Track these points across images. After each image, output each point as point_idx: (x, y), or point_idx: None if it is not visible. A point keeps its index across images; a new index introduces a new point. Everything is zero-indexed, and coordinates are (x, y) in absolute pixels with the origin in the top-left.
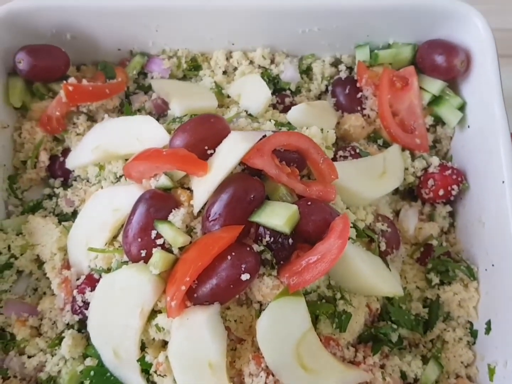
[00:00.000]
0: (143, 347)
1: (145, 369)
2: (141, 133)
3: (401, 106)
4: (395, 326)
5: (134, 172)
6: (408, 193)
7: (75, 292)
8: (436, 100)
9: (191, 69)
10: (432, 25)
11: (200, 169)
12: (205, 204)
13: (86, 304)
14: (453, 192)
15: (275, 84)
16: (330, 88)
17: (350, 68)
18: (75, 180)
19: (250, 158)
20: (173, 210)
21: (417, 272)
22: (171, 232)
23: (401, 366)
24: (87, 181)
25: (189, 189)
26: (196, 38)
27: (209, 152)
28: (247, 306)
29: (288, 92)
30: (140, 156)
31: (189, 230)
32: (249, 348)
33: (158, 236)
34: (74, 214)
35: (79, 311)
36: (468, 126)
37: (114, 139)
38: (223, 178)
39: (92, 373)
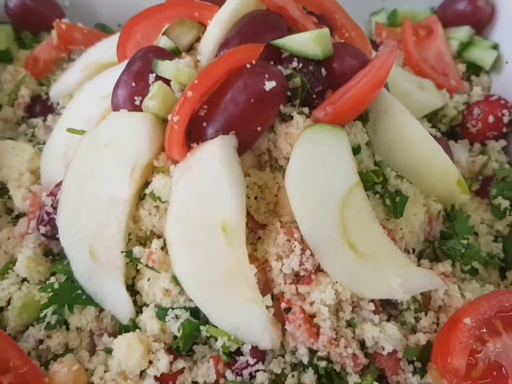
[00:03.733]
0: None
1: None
2: None
3: (429, 54)
4: (465, 241)
5: (132, 42)
6: (451, 135)
7: (44, 196)
8: (466, 47)
9: None
10: None
11: (209, 9)
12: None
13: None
14: (505, 119)
15: None
16: None
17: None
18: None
19: None
20: (176, 58)
21: (479, 205)
22: (173, 67)
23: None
24: None
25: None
26: None
27: None
28: (271, 169)
29: None
30: (139, 16)
31: None
32: (274, 234)
33: (158, 79)
34: None
35: (47, 220)
36: (507, 62)
37: (108, 50)
38: (236, 6)
39: (56, 286)
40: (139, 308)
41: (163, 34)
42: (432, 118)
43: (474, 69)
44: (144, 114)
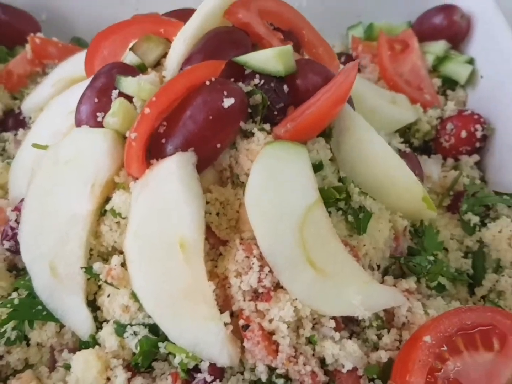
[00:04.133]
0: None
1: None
2: None
3: (404, 68)
4: (431, 258)
5: (99, 58)
6: (425, 150)
7: (9, 211)
8: (441, 61)
9: None
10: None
11: (175, 25)
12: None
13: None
14: (478, 134)
15: None
16: None
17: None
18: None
19: (233, 11)
20: (140, 75)
21: (450, 220)
22: (135, 83)
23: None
24: None
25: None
26: None
27: None
28: (232, 186)
29: None
30: (105, 32)
31: None
32: (234, 250)
33: (121, 95)
34: None
35: (11, 235)
36: (481, 76)
37: (79, 65)
38: (201, 23)
39: (16, 302)
40: (99, 324)
41: (130, 49)
42: (406, 132)
43: (449, 83)
44: (105, 130)
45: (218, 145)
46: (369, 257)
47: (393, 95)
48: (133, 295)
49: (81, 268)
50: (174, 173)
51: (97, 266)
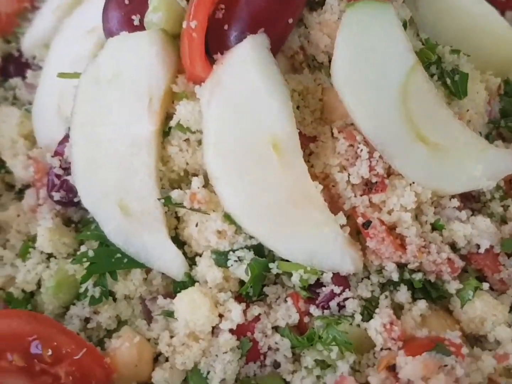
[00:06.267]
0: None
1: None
2: None
3: None
4: None
5: None
6: None
7: (49, 158)
8: None
9: None
10: None
11: None
12: None
13: (68, 170)
14: None
15: None
16: None
17: None
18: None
19: None
20: None
21: None
22: None
23: None
24: None
25: None
26: None
27: None
28: (309, 70)
29: None
30: None
31: None
32: (329, 143)
33: None
34: None
35: (59, 184)
36: None
37: None
38: None
39: (91, 254)
40: (190, 260)
41: None
42: None
43: None
44: (150, 31)
45: (290, 20)
46: (473, 124)
47: None
48: (227, 217)
49: (158, 199)
50: (249, 61)
51: (176, 194)
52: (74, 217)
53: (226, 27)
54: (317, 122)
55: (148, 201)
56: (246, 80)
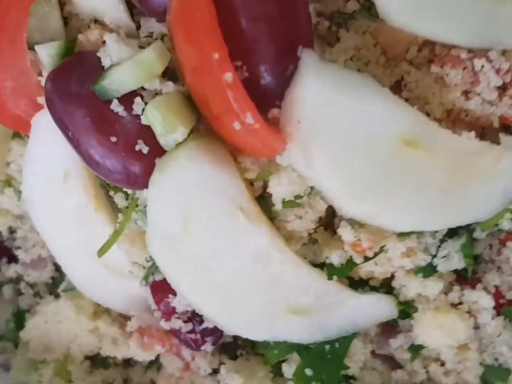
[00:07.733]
0: None
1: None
2: None
3: None
4: None
5: None
6: None
7: None
8: None
9: None
10: None
11: None
12: None
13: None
14: None
15: None
16: None
17: None
18: None
19: None
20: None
21: None
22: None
23: None
24: None
25: None
26: None
27: None
28: (341, 28)
29: None
30: None
31: None
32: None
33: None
34: None
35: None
36: None
37: None
38: None
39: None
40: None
41: None
42: None
43: None
44: (186, 154)
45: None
46: None
47: None
48: (400, 235)
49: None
50: (321, 85)
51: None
52: None
53: (262, 81)
54: (386, 66)
55: (313, 294)
56: (331, 104)
